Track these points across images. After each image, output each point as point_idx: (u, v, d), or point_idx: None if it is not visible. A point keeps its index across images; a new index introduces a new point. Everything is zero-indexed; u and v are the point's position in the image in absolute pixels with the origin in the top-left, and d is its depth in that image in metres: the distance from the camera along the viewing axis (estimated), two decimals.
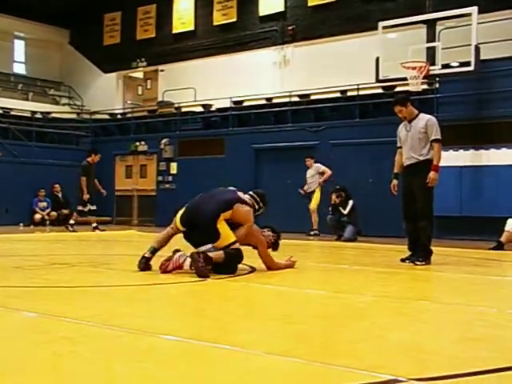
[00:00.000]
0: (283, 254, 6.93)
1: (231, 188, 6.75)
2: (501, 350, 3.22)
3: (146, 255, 6.34)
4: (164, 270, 6.09)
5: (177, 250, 6.26)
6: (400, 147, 7.96)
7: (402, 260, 7.73)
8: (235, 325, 3.77)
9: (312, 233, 14.07)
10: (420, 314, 4.46)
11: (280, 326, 3.73)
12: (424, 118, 7.76)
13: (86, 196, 14.59)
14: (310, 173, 14.40)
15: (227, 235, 6.14)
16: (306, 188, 14.31)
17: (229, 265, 6.10)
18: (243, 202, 6.42)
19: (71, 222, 14.77)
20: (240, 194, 6.58)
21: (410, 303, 4.82)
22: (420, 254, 7.62)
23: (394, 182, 8.01)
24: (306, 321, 3.95)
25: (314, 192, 14.19)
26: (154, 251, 6.37)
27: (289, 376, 2.66)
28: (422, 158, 7.63)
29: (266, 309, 4.45)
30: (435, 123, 7.70)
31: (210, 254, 5.97)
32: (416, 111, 7.88)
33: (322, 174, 14.21)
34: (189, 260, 5.97)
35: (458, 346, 3.28)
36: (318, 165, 14.42)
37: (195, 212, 6.22)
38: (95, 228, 14.65)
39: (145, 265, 6.27)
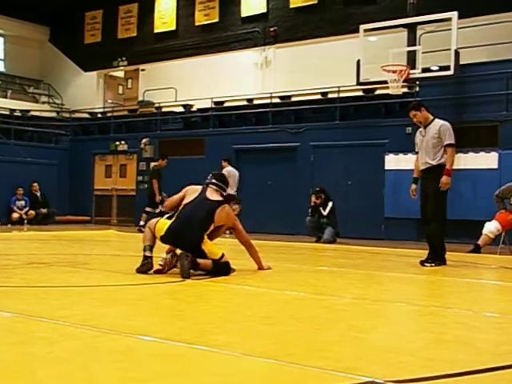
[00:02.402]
0: (262, 257, 6.92)
1: (197, 188, 6.42)
2: (476, 352, 3.24)
3: (148, 254, 6.15)
4: (159, 271, 6.10)
5: (170, 251, 6.27)
6: (417, 152, 8.00)
7: (422, 262, 7.74)
8: (213, 326, 3.76)
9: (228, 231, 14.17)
10: (397, 316, 4.49)
11: (258, 328, 3.72)
12: (438, 124, 7.81)
13: (159, 198, 14.65)
14: None
15: (214, 254, 6.11)
16: None
17: (215, 273, 6.07)
18: (217, 204, 6.29)
19: (141, 223, 14.72)
20: (210, 193, 6.35)
21: (388, 305, 4.85)
22: (430, 256, 7.74)
23: (413, 186, 8.05)
24: (284, 322, 3.95)
25: None
26: (151, 248, 6.22)
27: (266, 377, 2.66)
28: (434, 163, 7.70)
29: (245, 310, 4.44)
30: (448, 128, 7.77)
31: (199, 260, 5.98)
32: (431, 116, 7.92)
33: None
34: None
35: (435, 348, 3.30)
36: (229, 168, 14.53)
37: (178, 237, 6.08)
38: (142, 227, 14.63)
39: (151, 265, 6.13)
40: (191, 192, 6.40)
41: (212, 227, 6.24)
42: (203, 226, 6.15)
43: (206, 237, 6.15)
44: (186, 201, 6.31)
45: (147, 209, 14.96)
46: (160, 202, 14.65)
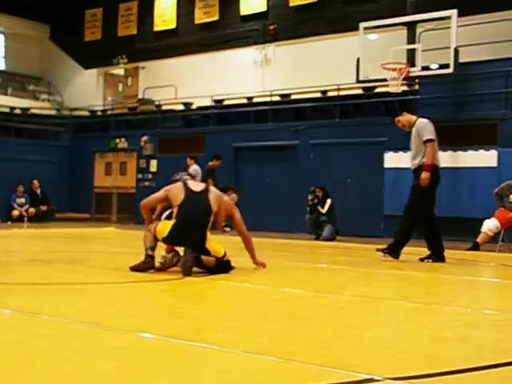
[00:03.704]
0: (262, 254, 6.93)
1: (178, 186, 6.29)
2: (475, 349, 3.25)
3: (150, 253, 6.11)
4: (159, 269, 6.12)
5: (171, 250, 6.29)
6: None
7: (421, 259, 7.85)
8: (212, 323, 3.76)
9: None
10: (396, 313, 4.49)
11: (257, 325, 3.73)
12: (417, 123, 7.83)
13: None
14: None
15: (218, 252, 6.11)
16: None
17: (216, 271, 6.09)
18: (205, 191, 6.25)
19: None
20: (193, 186, 6.28)
21: (387, 303, 4.86)
22: (387, 246, 7.88)
23: None
24: (283, 319, 3.96)
25: None
26: (153, 249, 6.19)
27: (265, 374, 2.66)
28: (418, 162, 7.74)
29: (244, 307, 4.45)
30: (426, 125, 7.77)
31: (202, 257, 5.98)
32: (414, 118, 7.94)
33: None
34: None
35: (434, 346, 3.31)
36: (194, 167, 14.63)
37: (183, 238, 6.04)
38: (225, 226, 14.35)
39: (153, 263, 6.11)
40: (175, 192, 6.25)
41: (212, 217, 6.20)
42: (205, 220, 6.12)
43: (209, 234, 6.15)
44: (176, 202, 6.17)
45: None
46: None
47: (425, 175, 7.60)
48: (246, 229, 6.68)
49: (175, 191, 6.25)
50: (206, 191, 6.27)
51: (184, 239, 6.05)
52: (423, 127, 7.74)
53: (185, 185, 6.29)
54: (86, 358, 2.84)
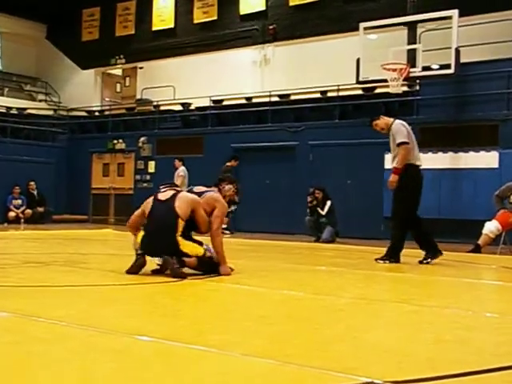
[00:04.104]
0: (260, 256, 6.89)
1: (150, 200, 6.26)
2: (476, 352, 3.22)
3: (140, 252, 6.09)
4: (157, 271, 6.07)
5: None
6: None
7: (420, 262, 7.83)
8: (211, 325, 3.74)
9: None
10: (396, 316, 4.46)
11: (256, 327, 3.70)
12: (392, 125, 7.84)
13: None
14: (176, 173, 14.79)
15: (197, 252, 6.04)
16: None
17: (202, 269, 6.04)
18: (171, 198, 6.09)
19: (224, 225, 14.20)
20: (161, 196, 6.17)
21: (387, 305, 4.83)
22: (385, 253, 7.84)
23: None
24: (282, 322, 3.94)
25: None
26: None
27: (264, 377, 2.64)
28: (394, 165, 7.74)
29: (243, 310, 4.42)
30: (399, 127, 7.78)
31: (184, 259, 5.95)
32: (391, 120, 7.93)
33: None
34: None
35: (434, 348, 3.28)
36: (182, 168, 14.76)
37: (155, 249, 5.99)
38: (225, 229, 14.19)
39: (144, 259, 6.06)
40: (148, 205, 6.22)
41: (181, 222, 6.01)
42: (171, 227, 5.98)
43: (180, 239, 5.99)
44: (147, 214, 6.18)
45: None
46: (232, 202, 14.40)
47: (392, 178, 7.66)
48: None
49: (148, 205, 6.23)
50: (172, 198, 6.10)
51: (155, 249, 6.00)
52: (397, 130, 7.76)
53: (154, 196, 6.23)
54: (83, 360, 2.82)
